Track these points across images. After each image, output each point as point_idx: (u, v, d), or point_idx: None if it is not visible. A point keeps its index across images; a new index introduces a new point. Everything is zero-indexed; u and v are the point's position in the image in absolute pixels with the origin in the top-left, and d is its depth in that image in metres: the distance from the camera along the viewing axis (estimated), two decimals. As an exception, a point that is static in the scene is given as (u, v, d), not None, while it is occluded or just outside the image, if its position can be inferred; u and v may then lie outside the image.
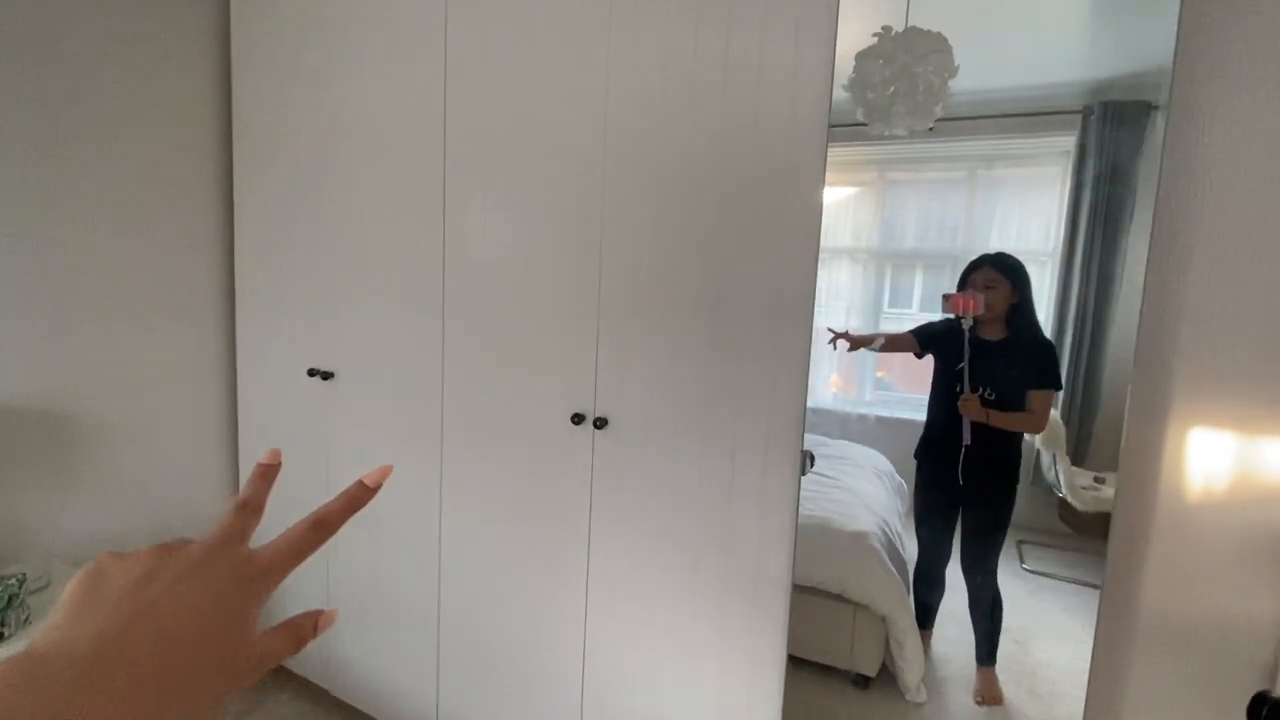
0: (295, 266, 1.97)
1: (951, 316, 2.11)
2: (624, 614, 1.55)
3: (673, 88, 1.39)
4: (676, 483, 1.46)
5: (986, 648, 2.13)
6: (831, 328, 2.26)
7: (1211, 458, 1.44)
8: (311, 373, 1.93)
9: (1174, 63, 1.19)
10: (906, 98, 1.95)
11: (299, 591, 2.11)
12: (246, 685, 0.29)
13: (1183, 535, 1.46)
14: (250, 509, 0.39)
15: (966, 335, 2.02)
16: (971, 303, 2.00)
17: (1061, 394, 2.67)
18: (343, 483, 1.60)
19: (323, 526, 0.36)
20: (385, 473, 0.38)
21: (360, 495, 0.38)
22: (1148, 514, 1.48)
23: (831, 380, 2.84)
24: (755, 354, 1.36)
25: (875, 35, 2.05)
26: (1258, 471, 1.39)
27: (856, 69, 2.03)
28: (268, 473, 0.43)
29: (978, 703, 2.11)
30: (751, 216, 1.34)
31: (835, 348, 2.22)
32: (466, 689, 1.82)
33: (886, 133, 2.08)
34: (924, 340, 2.27)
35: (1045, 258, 3.02)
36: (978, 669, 2.14)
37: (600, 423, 1.51)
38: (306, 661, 2.14)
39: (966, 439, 2.05)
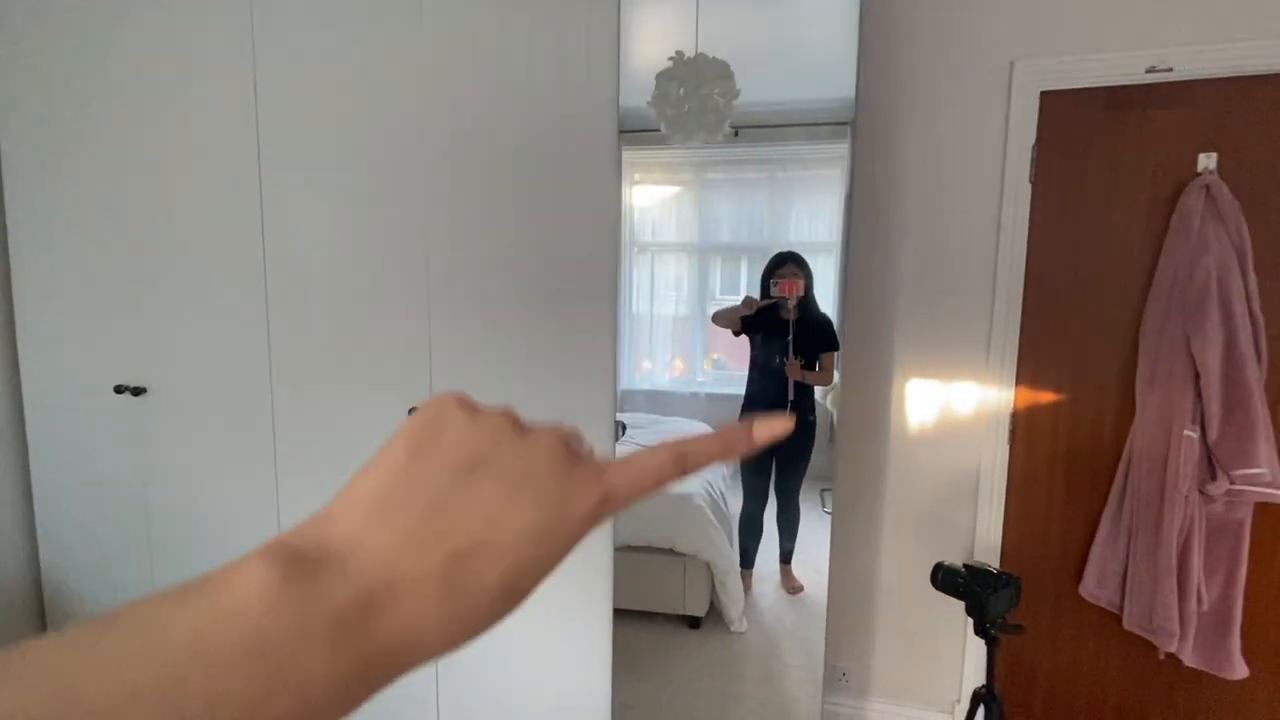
0: (92, 275, 1.84)
1: (762, 300, 2.58)
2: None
3: (487, 87, 1.54)
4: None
5: (788, 550, 2.56)
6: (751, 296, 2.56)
7: (921, 404, 1.89)
8: (119, 389, 1.83)
9: (855, 94, 1.58)
10: (698, 115, 2.28)
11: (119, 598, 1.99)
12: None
13: (909, 461, 1.90)
14: (678, 464, 0.27)
15: (792, 313, 2.45)
16: (796, 286, 2.44)
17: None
18: (165, 508, 1.67)
19: (687, 465, 0.27)
20: (782, 426, 0.28)
21: (742, 442, 0.28)
22: (884, 446, 1.89)
23: (675, 364, 3.16)
24: (574, 339, 1.57)
25: (670, 59, 2.34)
26: (951, 412, 1.85)
27: (656, 88, 2.31)
28: (737, 445, 0.28)
29: (787, 591, 2.53)
30: (560, 212, 1.54)
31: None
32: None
33: (685, 144, 2.39)
34: (750, 322, 2.68)
35: (831, 248, 3.58)
36: (781, 567, 2.56)
37: (437, 414, 1.63)
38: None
39: (792, 396, 2.49)
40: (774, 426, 0.28)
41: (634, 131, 2.37)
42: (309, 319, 1.70)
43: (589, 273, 1.54)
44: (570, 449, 0.25)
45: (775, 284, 2.50)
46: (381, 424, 1.68)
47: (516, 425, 0.25)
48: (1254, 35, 1.60)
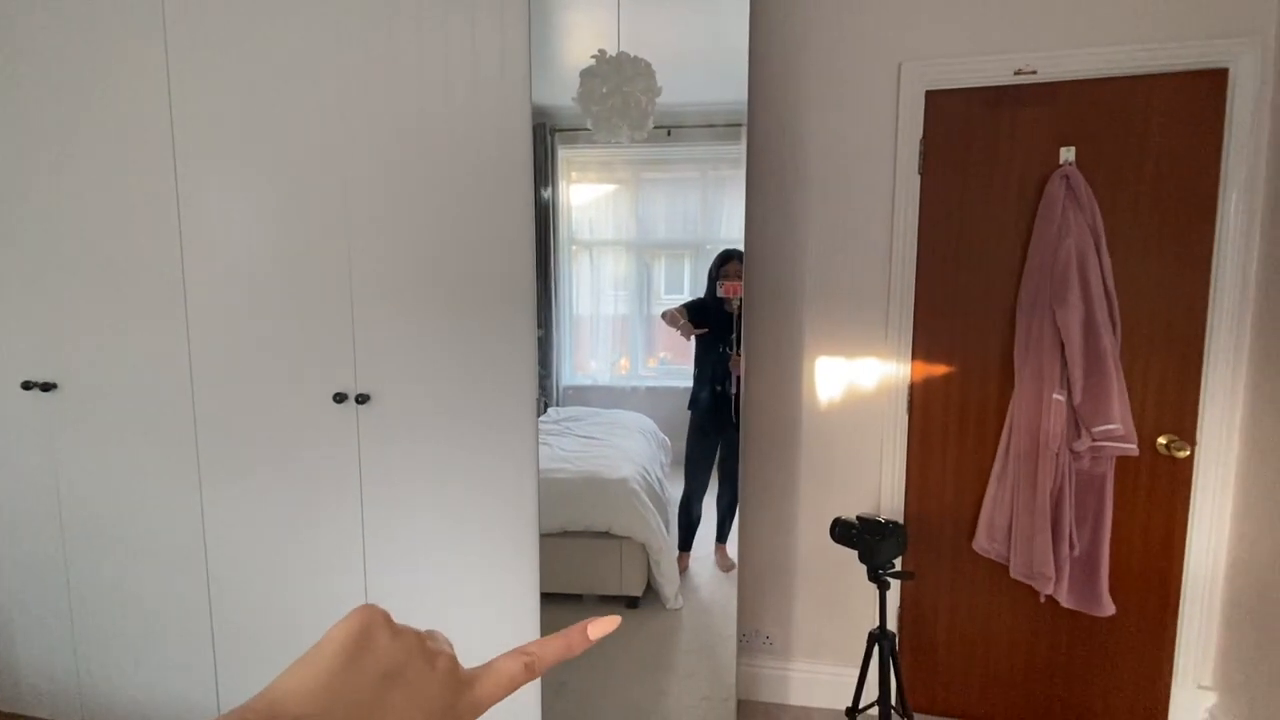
0: (-4, 267, 1.80)
1: (708, 297, 2.72)
2: (399, 570, 1.74)
3: (405, 81, 1.59)
4: (438, 444, 1.68)
5: (725, 529, 2.69)
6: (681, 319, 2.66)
7: (829, 380, 2.03)
8: (27, 385, 1.79)
9: (748, 95, 1.71)
10: (622, 113, 2.38)
11: (31, 608, 1.93)
12: None
13: (821, 433, 2.04)
14: (529, 670, 0.34)
15: (737, 311, 2.59)
16: (738, 287, 2.58)
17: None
18: (79, 511, 1.70)
19: (536, 668, 0.34)
20: (611, 624, 0.36)
21: (579, 643, 0.35)
22: (798, 419, 2.02)
23: (621, 364, 3.26)
24: (495, 324, 1.63)
25: (593, 57, 2.44)
26: (856, 386, 2.00)
27: (581, 85, 2.40)
28: (575, 646, 0.36)
29: (721, 568, 2.65)
30: (485, 209, 1.61)
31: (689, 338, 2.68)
32: (252, 676, 1.85)
33: (611, 141, 2.49)
34: (696, 315, 2.82)
35: (761, 243, 3.74)
36: (717, 546, 2.69)
37: (362, 399, 1.67)
38: (55, 701, 1.97)
39: (735, 388, 2.62)
40: (606, 625, 0.36)
41: (568, 130, 2.45)
42: (229, 316, 1.71)
43: (508, 260, 1.61)
44: (455, 673, 0.32)
45: (720, 284, 2.66)
46: (305, 411, 1.71)
47: (424, 646, 0.31)
48: (1103, 42, 1.81)
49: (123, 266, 1.73)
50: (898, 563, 1.69)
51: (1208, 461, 1.85)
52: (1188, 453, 1.83)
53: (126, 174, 1.69)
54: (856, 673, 2.14)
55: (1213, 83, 1.76)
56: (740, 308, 2.59)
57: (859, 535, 1.46)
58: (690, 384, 2.88)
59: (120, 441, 1.80)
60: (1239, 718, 1.83)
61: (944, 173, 1.95)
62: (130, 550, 1.84)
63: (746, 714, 2.23)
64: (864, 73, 1.96)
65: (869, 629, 2.12)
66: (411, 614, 1.74)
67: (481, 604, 1.70)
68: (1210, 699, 1.93)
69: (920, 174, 1.96)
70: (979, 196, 1.93)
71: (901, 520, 2.07)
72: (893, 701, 1.66)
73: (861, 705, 1.73)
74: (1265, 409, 1.75)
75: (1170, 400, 1.86)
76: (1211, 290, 1.81)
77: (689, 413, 2.93)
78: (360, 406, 1.67)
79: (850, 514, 1.84)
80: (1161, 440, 1.86)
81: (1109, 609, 1.87)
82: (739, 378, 2.63)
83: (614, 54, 2.47)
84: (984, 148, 1.91)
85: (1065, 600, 1.88)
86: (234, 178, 1.67)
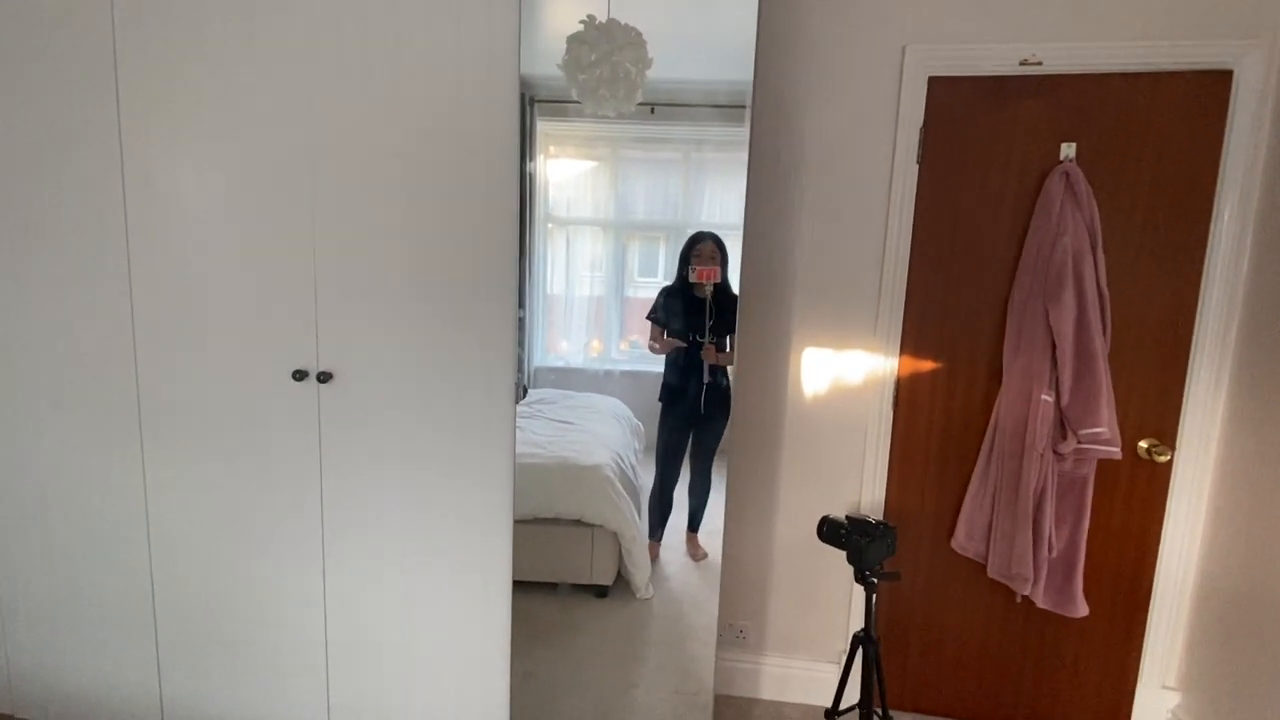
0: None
1: (679, 282, 2.61)
2: (363, 560, 1.63)
3: (382, 45, 1.46)
4: (406, 427, 1.57)
5: (696, 518, 2.64)
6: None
7: (816, 372, 1.97)
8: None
9: (754, 74, 1.62)
10: (610, 83, 2.26)
11: (-50, 610, 1.77)
12: None
13: (804, 426, 1.98)
14: None
15: (709, 299, 2.49)
16: (713, 272, 2.47)
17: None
18: (2, 484, 1.47)
19: None
20: None
21: None
22: (781, 412, 1.96)
23: (593, 344, 3.16)
24: (474, 300, 1.52)
25: (582, 22, 2.31)
26: (843, 379, 1.94)
27: (568, 51, 2.27)
28: None
29: (692, 558, 2.60)
30: (467, 181, 1.49)
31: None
32: (197, 670, 1.73)
33: (598, 112, 2.36)
34: (666, 302, 2.72)
35: (741, 229, 3.67)
36: (688, 535, 2.64)
37: (324, 377, 1.55)
38: (-30, 691, 1.82)
39: (707, 378, 2.53)
40: None
41: (549, 101, 2.32)
42: (178, 278, 1.56)
43: (489, 236, 1.50)
44: None
45: (693, 269, 2.55)
46: (261, 388, 1.57)
47: None
48: (1110, 36, 1.76)
49: (55, 218, 1.56)
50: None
51: (1186, 467, 1.86)
52: (1168, 457, 1.83)
53: (61, 150, 1.53)
54: (829, 668, 2.12)
55: (1216, 84, 1.73)
56: (713, 293, 2.50)
57: (848, 536, 1.41)
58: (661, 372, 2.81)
59: (52, 415, 1.64)
60: (1201, 718, 1.86)
61: (943, 163, 1.89)
62: (65, 536, 1.69)
63: (718, 708, 2.20)
64: (867, 54, 1.88)
65: (844, 625, 2.10)
66: (373, 606, 1.65)
67: (450, 595, 1.61)
68: (1174, 699, 1.96)
69: (919, 163, 1.90)
70: (977, 189, 1.88)
71: (882, 516, 2.03)
72: (874, 704, 1.63)
73: (842, 707, 1.70)
74: (1244, 417, 1.75)
75: (1154, 404, 1.85)
76: (1201, 295, 1.80)
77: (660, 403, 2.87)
78: (322, 385, 1.55)
79: (834, 511, 1.80)
80: (1143, 444, 1.86)
81: (1083, 610, 1.87)
82: (711, 368, 2.56)
83: (604, 20, 2.34)
84: (984, 139, 1.86)
85: (1041, 601, 1.87)
86: (184, 140, 1.52)
